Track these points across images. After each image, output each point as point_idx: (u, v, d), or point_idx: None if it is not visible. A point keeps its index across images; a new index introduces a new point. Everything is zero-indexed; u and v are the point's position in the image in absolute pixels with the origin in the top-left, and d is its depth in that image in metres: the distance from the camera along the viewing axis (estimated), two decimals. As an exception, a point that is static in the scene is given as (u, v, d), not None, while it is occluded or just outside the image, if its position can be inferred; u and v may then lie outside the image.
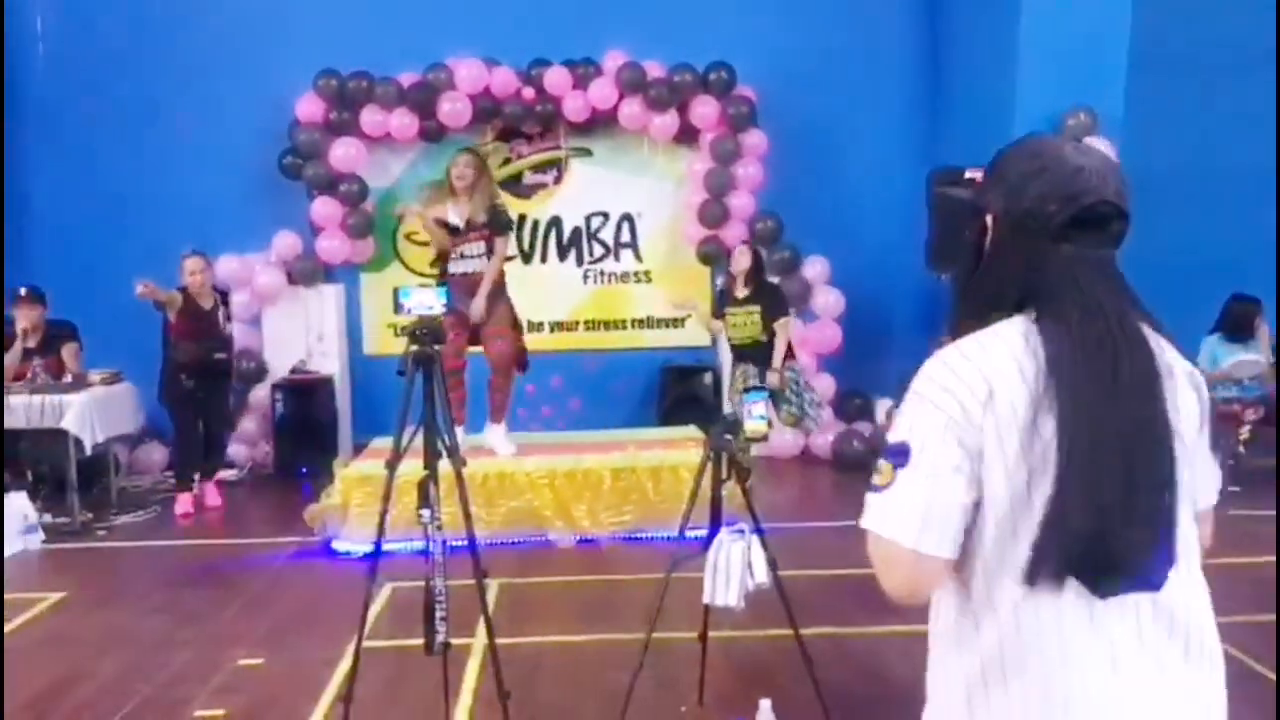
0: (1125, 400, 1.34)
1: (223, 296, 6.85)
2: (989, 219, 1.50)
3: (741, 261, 6.64)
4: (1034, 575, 1.34)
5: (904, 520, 1.39)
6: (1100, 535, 1.31)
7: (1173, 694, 1.38)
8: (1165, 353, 1.42)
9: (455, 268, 6.00)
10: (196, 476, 6.87)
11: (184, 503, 6.78)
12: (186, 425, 6.84)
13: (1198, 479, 1.44)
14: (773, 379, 6.46)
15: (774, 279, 7.24)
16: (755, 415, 3.40)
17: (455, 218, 5.95)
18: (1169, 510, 1.35)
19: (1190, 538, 1.41)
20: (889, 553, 1.42)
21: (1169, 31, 7.57)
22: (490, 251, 5.98)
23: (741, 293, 6.65)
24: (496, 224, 6.03)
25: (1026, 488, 1.36)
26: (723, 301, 7.00)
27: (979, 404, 1.38)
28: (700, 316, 7.25)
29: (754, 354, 6.63)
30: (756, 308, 6.57)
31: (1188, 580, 1.41)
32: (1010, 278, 1.46)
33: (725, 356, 7.65)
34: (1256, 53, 7.75)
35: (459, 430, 6.05)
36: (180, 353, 6.69)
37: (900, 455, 1.41)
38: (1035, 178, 1.45)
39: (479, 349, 6.12)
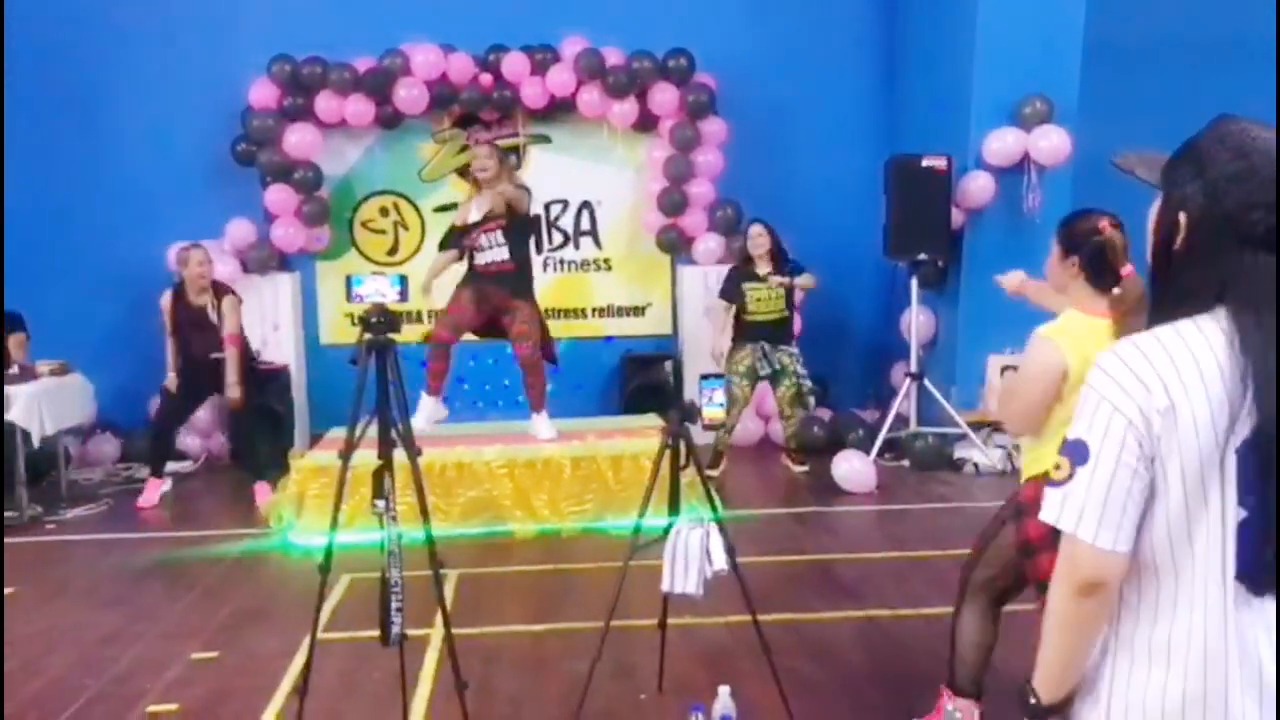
0: None
1: (219, 296, 6.63)
2: (1182, 218, 1.44)
3: (762, 244, 7.01)
4: (1252, 584, 1.39)
5: (1083, 515, 1.43)
6: None
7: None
8: None
9: (480, 259, 5.99)
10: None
11: (148, 491, 6.67)
12: (165, 415, 6.71)
13: None
14: (806, 279, 7.02)
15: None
16: (714, 402, 3.40)
17: (477, 212, 5.93)
18: None
19: None
20: (1075, 548, 1.45)
21: (1124, 21, 7.64)
22: (510, 240, 5.93)
23: (764, 269, 7.02)
24: (522, 213, 6.03)
25: (1203, 492, 1.38)
26: (734, 282, 7.13)
27: (1157, 412, 1.39)
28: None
29: (772, 330, 7.02)
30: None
31: None
32: (1203, 282, 1.42)
33: (694, 347, 7.67)
34: (1211, 42, 7.85)
35: (434, 401, 6.13)
36: (176, 349, 6.59)
37: (1080, 452, 1.44)
38: (1241, 181, 1.39)
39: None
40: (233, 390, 6.49)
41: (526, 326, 6.02)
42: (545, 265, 8.52)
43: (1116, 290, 2.80)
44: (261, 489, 6.52)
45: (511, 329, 6.04)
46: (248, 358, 6.72)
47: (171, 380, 6.66)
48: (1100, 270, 2.84)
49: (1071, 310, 2.90)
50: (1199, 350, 1.38)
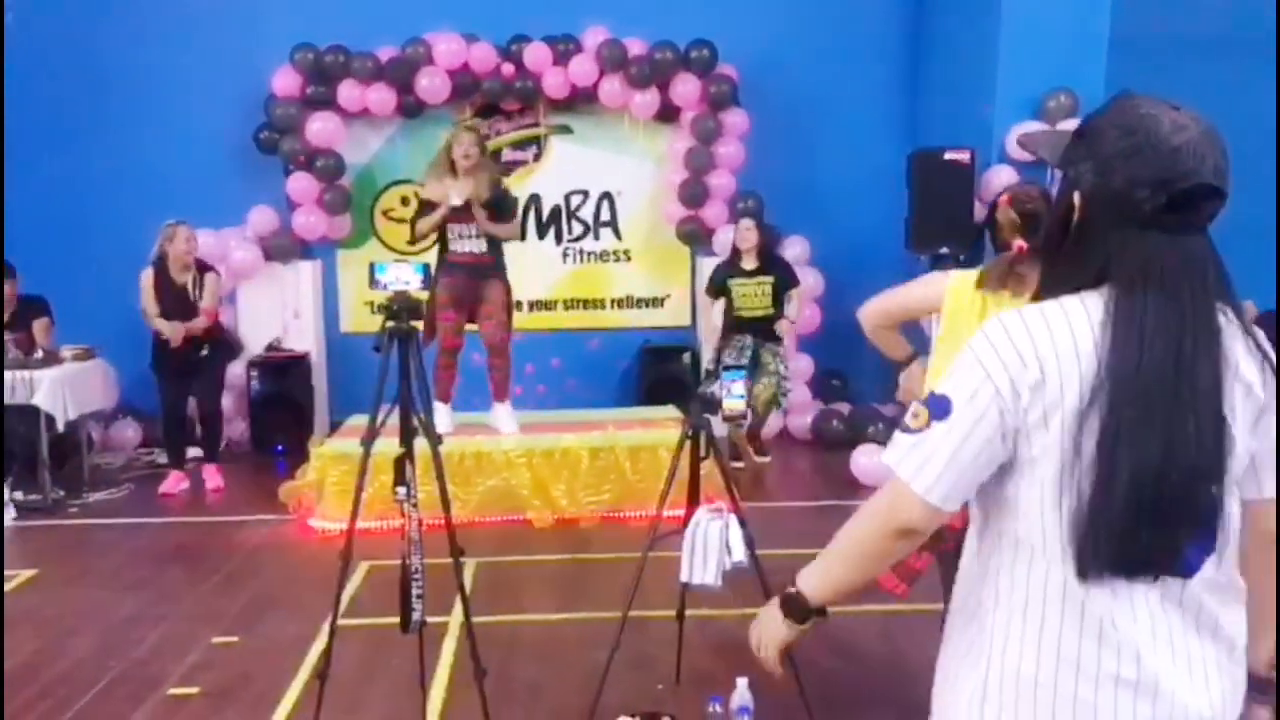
0: (1184, 390, 1.33)
1: (201, 273, 6.65)
2: (1076, 197, 1.43)
3: (750, 238, 6.97)
4: (1083, 568, 1.37)
5: (924, 468, 1.43)
6: (1140, 528, 1.33)
7: (1193, 677, 1.41)
8: (1237, 342, 1.39)
9: (457, 247, 5.94)
10: (190, 454, 6.83)
11: (169, 481, 6.70)
12: (166, 399, 6.76)
13: (1259, 470, 1.45)
14: (784, 325, 7.03)
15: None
16: (734, 394, 3.40)
17: (457, 198, 5.86)
18: (1216, 501, 1.36)
19: (1232, 528, 1.42)
20: (901, 492, 1.47)
21: (1151, 14, 7.56)
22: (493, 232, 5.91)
23: (750, 264, 7.00)
24: (504, 206, 5.99)
25: (1071, 469, 1.36)
26: (721, 276, 7.13)
27: (1028, 386, 1.38)
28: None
29: (758, 326, 6.99)
30: (769, 279, 7.01)
31: (1222, 568, 1.42)
32: (1092, 259, 1.41)
33: (713, 339, 7.65)
34: (1238, 34, 7.76)
35: (447, 409, 6.11)
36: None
37: (942, 408, 1.43)
38: (1128, 159, 1.37)
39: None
40: (194, 323, 6.52)
41: (494, 306, 6.00)
42: (565, 255, 8.52)
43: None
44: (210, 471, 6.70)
45: (480, 309, 6.01)
46: (219, 333, 6.77)
47: (168, 330, 6.51)
48: (996, 234, 3.00)
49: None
50: (1078, 324, 1.38)
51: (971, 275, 2.92)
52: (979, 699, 1.46)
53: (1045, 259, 1.55)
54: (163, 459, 7.06)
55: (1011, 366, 1.38)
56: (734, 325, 7.09)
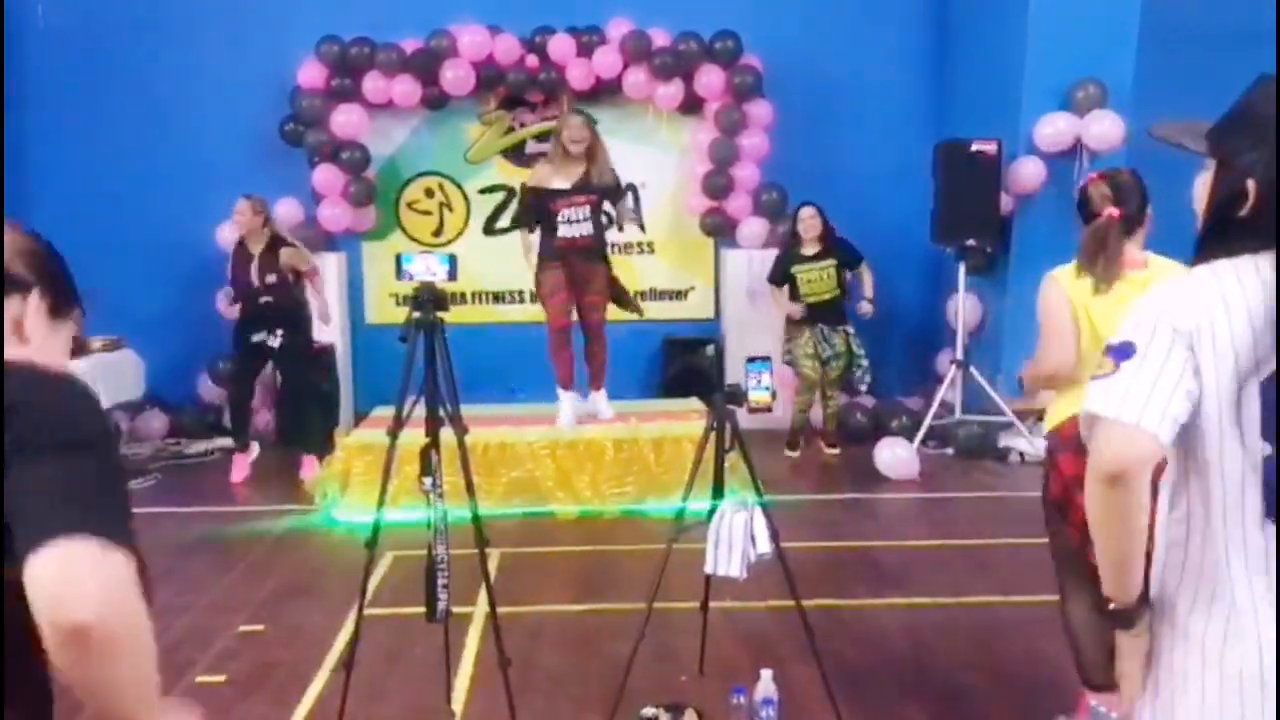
0: None
1: (275, 243, 6.60)
2: (1250, 185, 1.42)
3: (814, 226, 7.01)
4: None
5: (1127, 400, 1.40)
6: None
7: None
8: None
9: (563, 232, 5.95)
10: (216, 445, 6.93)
11: (237, 467, 6.74)
12: (236, 379, 6.79)
13: None
14: (865, 307, 7.11)
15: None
16: (761, 385, 3.39)
17: (561, 182, 5.90)
18: None
19: None
20: (1109, 431, 1.42)
21: (1181, 2, 7.47)
22: (595, 215, 5.95)
23: (811, 250, 7.04)
24: (618, 192, 6.13)
25: (1222, 428, 1.38)
26: (783, 265, 7.15)
27: (1196, 335, 1.39)
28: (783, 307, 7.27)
29: (826, 311, 7.03)
30: (831, 262, 7.04)
31: None
32: (1263, 239, 1.41)
33: (736, 331, 7.64)
34: (1269, 25, 7.65)
35: (571, 397, 6.18)
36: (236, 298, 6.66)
37: (1126, 350, 1.43)
38: None
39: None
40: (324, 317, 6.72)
41: (599, 296, 6.08)
42: (589, 248, 8.52)
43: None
44: (309, 463, 6.59)
45: (584, 297, 6.07)
46: (297, 308, 6.73)
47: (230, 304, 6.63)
48: (1086, 217, 3.04)
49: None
50: (1230, 288, 1.39)
51: (1068, 267, 3.03)
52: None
53: (1210, 244, 1.51)
54: (191, 448, 7.10)
55: (1187, 312, 1.40)
56: (806, 312, 7.06)
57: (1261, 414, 1.36)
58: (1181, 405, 1.39)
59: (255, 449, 6.86)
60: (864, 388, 7.34)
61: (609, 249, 6.27)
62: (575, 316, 6.15)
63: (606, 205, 6.06)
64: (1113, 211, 2.94)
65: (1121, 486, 1.41)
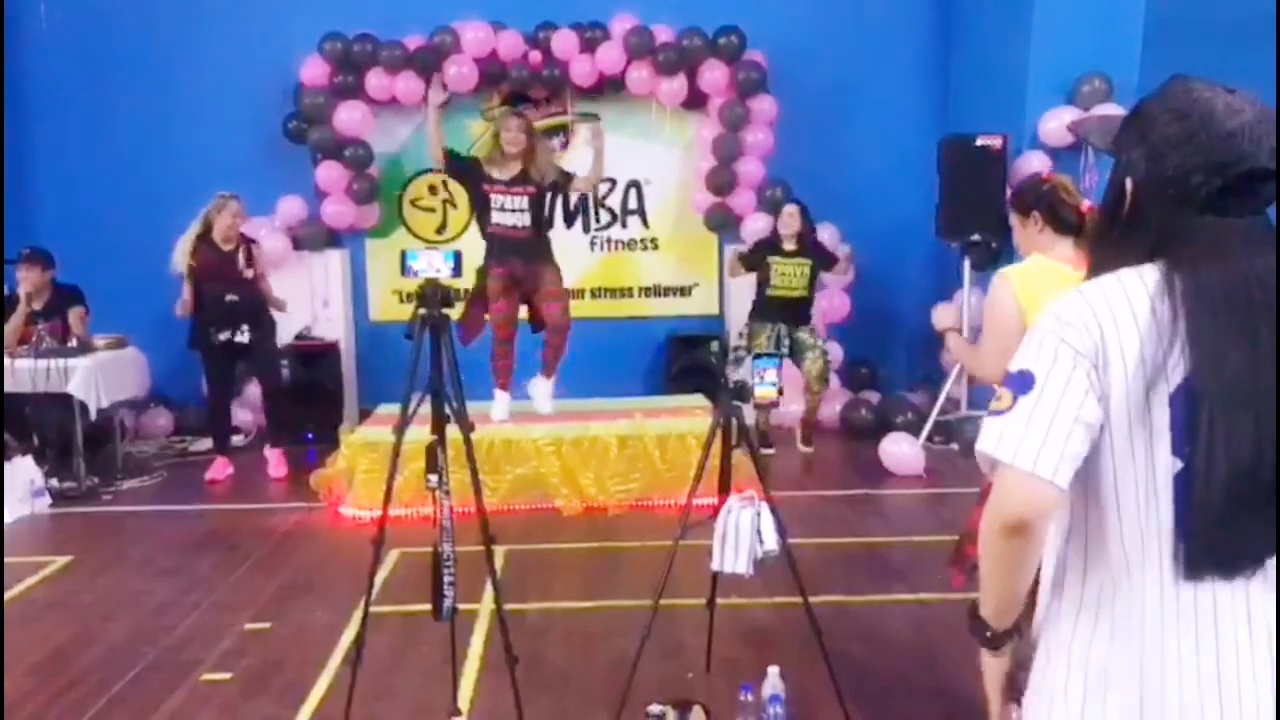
0: (1261, 364, 1.28)
1: (248, 246, 6.64)
2: (1128, 184, 1.40)
3: (792, 224, 7.03)
4: (1191, 567, 1.32)
5: (1022, 443, 1.34)
6: (1236, 515, 1.28)
7: (1253, 677, 1.35)
8: None
9: (499, 219, 5.97)
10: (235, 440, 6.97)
11: (215, 467, 6.73)
12: (210, 379, 6.77)
13: None
14: (842, 254, 7.24)
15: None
16: (766, 381, 3.37)
17: (500, 176, 5.96)
18: None
19: None
20: (1004, 479, 1.37)
21: (1185, -3, 7.44)
22: (534, 208, 5.97)
23: (790, 246, 7.06)
24: (561, 188, 6.25)
25: (1129, 443, 1.33)
26: (760, 252, 7.19)
27: (1100, 350, 1.34)
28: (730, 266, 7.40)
29: (792, 310, 7.05)
30: (807, 261, 7.06)
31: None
32: (1145, 243, 1.37)
33: (741, 328, 7.62)
34: (1272, 17, 7.62)
35: (506, 397, 6.18)
36: (202, 295, 6.56)
37: (1024, 382, 1.37)
38: (1181, 145, 1.34)
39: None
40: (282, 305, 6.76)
41: (557, 288, 6.07)
42: (592, 244, 8.50)
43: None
44: (277, 458, 6.71)
45: (540, 290, 6.05)
46: (263, 308, 6.73)
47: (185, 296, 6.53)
48: (1061, 213, 2.90)
49: (1037, 255, 2.95)
50: (1136, 296, 1.33)
51: (1023, 264, 2.94)
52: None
53: (1095, 242, 1.52)
54: (195, 446, 7.10)
55: (1090, 331, 1.34)
56: (765, 308, 7.08)
57: (1171, 428, 1.31)
58: (1081, 441, 1.33)
59: (230, 466, 6.82)
60: (823, 387, 7.22)
61: (553, 249, 6.20)
62: (524, 315, 6.18)
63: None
64: (1089, 206, 2.86)
65: (1020, 537, 1.38)
